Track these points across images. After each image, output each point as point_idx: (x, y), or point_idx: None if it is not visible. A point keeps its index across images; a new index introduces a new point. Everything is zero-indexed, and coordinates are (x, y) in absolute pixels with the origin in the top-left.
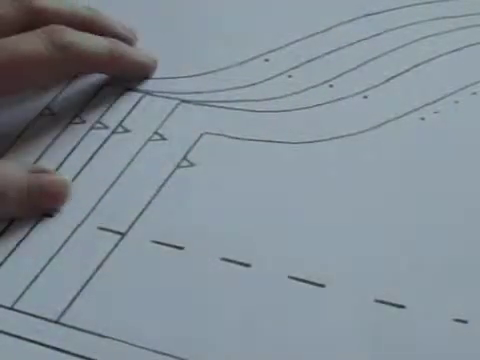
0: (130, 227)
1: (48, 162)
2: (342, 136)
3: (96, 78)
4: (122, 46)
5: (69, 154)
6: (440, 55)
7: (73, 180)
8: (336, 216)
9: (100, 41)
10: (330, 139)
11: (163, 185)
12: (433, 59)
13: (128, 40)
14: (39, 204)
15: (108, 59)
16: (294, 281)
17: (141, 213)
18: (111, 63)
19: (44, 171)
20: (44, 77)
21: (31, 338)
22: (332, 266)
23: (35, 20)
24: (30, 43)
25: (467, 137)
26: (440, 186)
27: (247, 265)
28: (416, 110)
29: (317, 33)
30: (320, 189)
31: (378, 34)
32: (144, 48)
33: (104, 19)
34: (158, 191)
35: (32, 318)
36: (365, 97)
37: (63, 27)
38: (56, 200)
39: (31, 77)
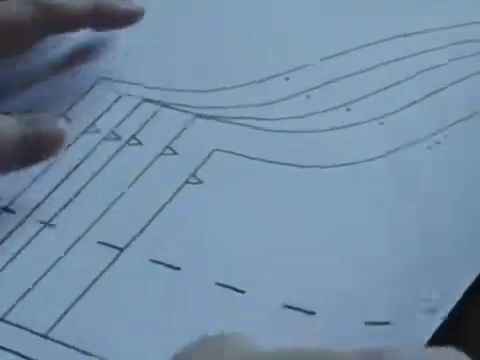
0: (129, 243)
1: (58, 170)
2: (354, 163)
3: (115, 87)
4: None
5: (79, 163)
6: (458, 81)
7: (80, 191)
8: (341, 245)
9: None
10: (341, 165)
11: (168, 202)
12: (452, 84)
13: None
14: (35, 153)
15: (93, 14)
16: (287, 309)
17: (142, 229)
18: (97, 17)
19: (37, 120)
20: (29, 38)
21: (17, 351)
22: (327, 297)
23: None
24: (11, 5)
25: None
26: (449, 217)
27: (241, 291)
28: (431, 137)
29: (340, 53)
30: (326, 217)
31: (402, 58)
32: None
33: None
34: (162, 207)
35: (21, 331)
36: (381, 123)
37: None
38: (51, 148)
39: (17, 38)
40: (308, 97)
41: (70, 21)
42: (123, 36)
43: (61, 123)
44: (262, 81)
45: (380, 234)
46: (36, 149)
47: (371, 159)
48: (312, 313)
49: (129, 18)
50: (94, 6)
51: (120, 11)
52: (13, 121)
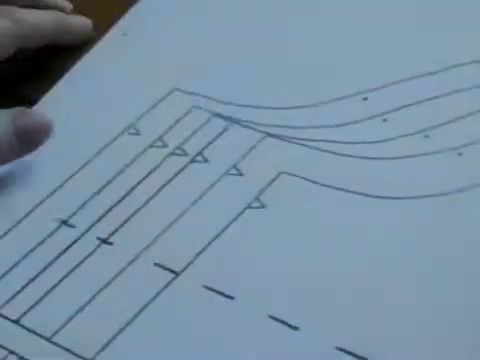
0: (185, 267)
1: (121, 184)
2: (429, 195)
3: (188, 98)
4: (63, 16)
5: (143, 179)
6: None
7: (141, 207)
8: (407, 285)
9: (45, 13)
10: (415, 198)
11: (228, 226)
12: None
13: (64, 8)
14: (26, 144)
15: (54, 29)
16: (340, 353)
17: (199, 253)
18: (57, 32)
19: (26, 112)
20: (5, 49)
21: None
22: (382, 342)
23: None
24: None
25: None
26: None
27: (295, 328)
28: None
29: (422, 75)
30: (396, 252)
31: None
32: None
33: None
34: (222, 231)
35: (68, 354)
36: (459, 154)
37: (12, 6)
38: (40, 138)
39: None
40: (384, 120)
41: (39, 34)
42: (203, 48)
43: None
44: (338, 100)
45: (450, 278)
46: (27, 140)
47: (446, 193)
48: (364, 359)
49: (83, 32)
50: (56, 20)
51: (76, 27)
52: (4, 115)
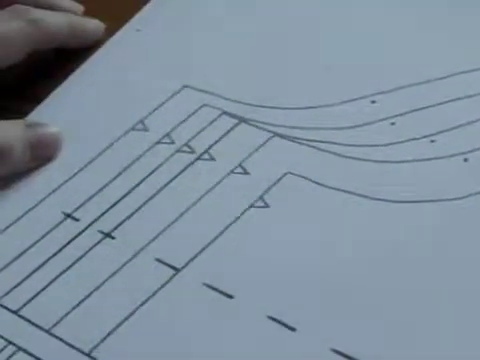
0: (186, 264)
1: (127, 179)
2: (433, 200)
3: (198, 96)
4: (76, 18)
5: (149, 174)
6: None
7: (145, 203)
8: (404, 289)
9: (60, 16)
10: (420, 202)
11: (231, 224)
12: None
13: (75, 10)
14: (38, 155)
15: (68, 31)
16: (336, 355)
17: (201, 251)
18: (71, 35)
19: (37, 124)
20: (20, 51)
21: None
22: (373, 341)
23: None
24: (4, 20)
25: None
26: None
27: (292, 329)
28: None
29: (432, 80)
30: (394, 258)
31: None
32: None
33: None
34: (225, 230)
35: (65, 346)
36: (466, 160)
37: (26, 6)
38: (52, 150)
39: (8, 52)
40: (392, 124)
41: (52, 36)
42: (214, 46)
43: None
44: (346, 102)
45: (452, 283)
46: (40, 151)
47: (451, 199)
48: None
49: (95, 36)
50: (69, 22)
51: (90, 30)
52: (17, 126)
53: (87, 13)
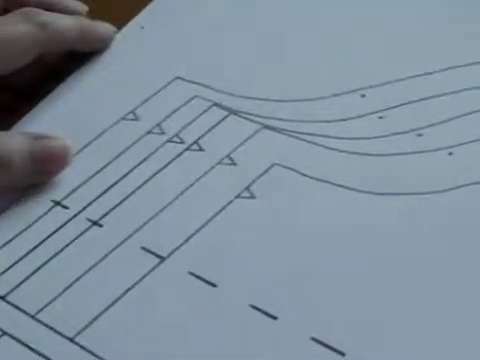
0: (171, 253)
1: (116, 168)
2: (418, 193)
3: (189, 87)
4: (87, 21)
5: (139, 164)
6: None
7: (134, 192)
8: (383, 281)
9: (70, 19)
10: (402, 194)
11: (217, 214)
12: None
13: (80, 11)
14: (42, 169)
15: (78, 35)
16: (316, 344)
17: (186, 240)
18: (80, 38)
19: (46, 137)
20: (28, 54)
21: (43, 353)
22: (358, 333)
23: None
24: (13, 23)
25: None
26: None
27: (274, 317)
28: None
29: (419, 75)
30: (376, 250)
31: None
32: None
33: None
34: (210, 219)
35: (49, 331)
36: (450, 154)
37: (35, 8)
38: (58, 164)
39: (15, 54)
40: (381, 118)
41: (62, 40)
42: (206, 39)
43: (66, 140)
44: (336, 96)
45: (436, 276)
46: (44, 165)
47: (435, 192)
48: (341, 354)
49: (106, 40)
50: (80, 26)
51: (100, 34)
52: (22, 137)
53: (90, 13)
